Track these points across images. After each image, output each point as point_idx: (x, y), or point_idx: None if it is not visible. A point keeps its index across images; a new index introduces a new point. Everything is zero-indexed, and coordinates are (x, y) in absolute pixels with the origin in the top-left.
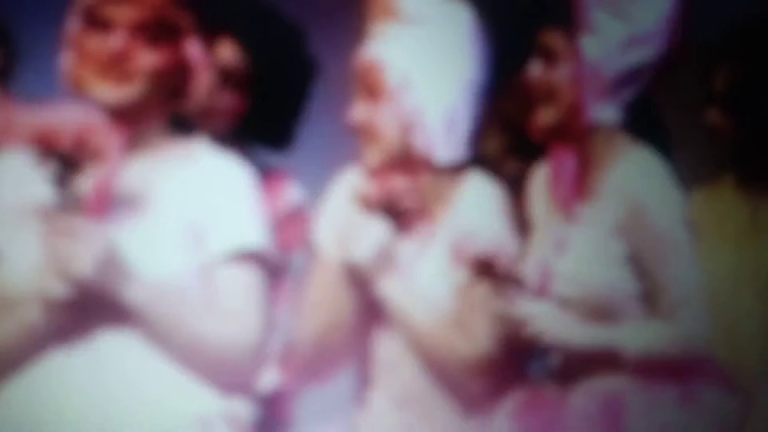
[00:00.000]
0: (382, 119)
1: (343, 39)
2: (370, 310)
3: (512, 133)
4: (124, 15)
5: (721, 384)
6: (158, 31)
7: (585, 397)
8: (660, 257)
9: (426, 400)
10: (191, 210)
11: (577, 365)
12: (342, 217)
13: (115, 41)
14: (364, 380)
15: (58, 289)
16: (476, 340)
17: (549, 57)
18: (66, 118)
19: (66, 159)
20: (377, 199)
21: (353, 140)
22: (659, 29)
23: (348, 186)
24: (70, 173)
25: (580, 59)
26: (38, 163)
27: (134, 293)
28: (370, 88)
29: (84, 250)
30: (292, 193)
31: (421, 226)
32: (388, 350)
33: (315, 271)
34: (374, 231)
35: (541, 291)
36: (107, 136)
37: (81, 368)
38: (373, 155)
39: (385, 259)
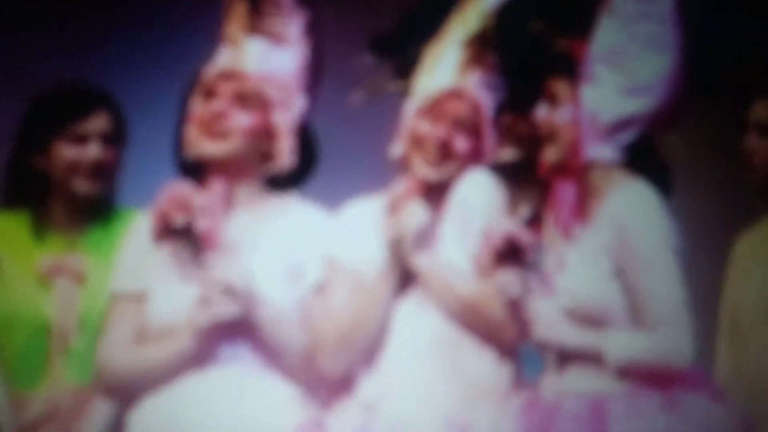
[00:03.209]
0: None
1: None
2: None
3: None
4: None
5: (708, 394)
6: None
7: (575, 400)
8: (642, 275)
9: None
10: (290, 253)
11: (568, 359)
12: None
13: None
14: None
15: (229, 309)
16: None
17: (553, 101)
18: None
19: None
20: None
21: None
22: (657, 84)
23: (368, 208)
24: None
25: (579, 104)
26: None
27: (262, 315)
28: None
29: (235, 274)
30: None
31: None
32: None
33: (336, 281)
34: (416, 212)
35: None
36: (201, 198)
37: (208, 388)
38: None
39: (423, 236)
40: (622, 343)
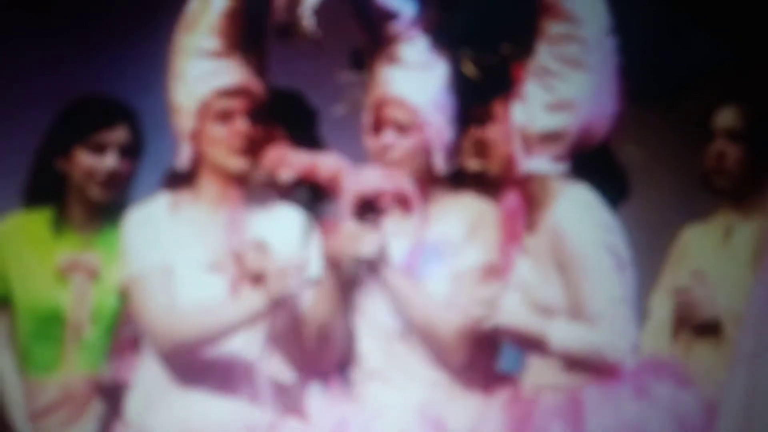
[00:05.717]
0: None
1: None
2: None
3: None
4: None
5: (676, 381)
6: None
7: (553, 394)
8: (579, 274)
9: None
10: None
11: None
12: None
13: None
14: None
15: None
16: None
17: (492, 120)
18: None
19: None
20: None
21: None
22: (580, 101)
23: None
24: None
25: (508, 121)
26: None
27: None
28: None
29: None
30: None
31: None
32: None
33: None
34: (374, 235)
35: None
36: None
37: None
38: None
39: (384, 255)
40: (564, 332)
